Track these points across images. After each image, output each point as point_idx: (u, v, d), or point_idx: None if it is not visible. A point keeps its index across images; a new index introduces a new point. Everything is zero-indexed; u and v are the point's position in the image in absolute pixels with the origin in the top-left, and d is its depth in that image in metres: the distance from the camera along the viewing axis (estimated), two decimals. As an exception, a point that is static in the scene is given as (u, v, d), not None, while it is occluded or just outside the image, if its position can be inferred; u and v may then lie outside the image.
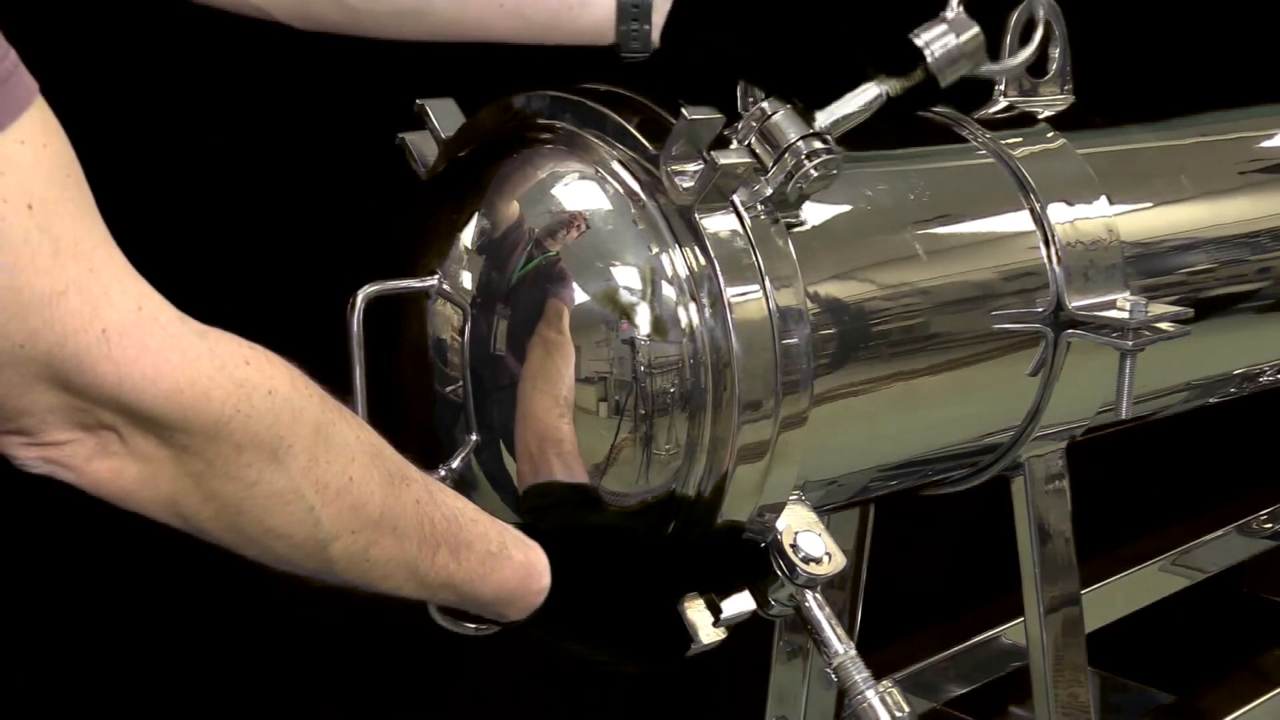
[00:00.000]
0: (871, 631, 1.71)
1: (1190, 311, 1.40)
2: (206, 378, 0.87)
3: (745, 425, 1.16)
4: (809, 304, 1.20)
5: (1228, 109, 1.76)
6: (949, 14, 1.26)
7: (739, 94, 1.25)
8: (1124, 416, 1.39)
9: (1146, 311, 1.36)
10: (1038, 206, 1.40)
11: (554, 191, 1.19)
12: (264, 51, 1.22)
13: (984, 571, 1.92)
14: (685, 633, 1.19)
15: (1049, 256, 1.39)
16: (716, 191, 1.15)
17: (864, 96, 1.23)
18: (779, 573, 1.22)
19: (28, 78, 0.82)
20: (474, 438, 1.20)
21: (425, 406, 1.24)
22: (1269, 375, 1.78)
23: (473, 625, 1.19)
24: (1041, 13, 1.49)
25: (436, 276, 1.21)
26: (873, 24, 1.25)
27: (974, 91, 1.53)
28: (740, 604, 1.22)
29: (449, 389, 1.21)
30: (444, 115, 1.32)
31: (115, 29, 1.36)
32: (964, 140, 1.44)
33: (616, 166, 1.18)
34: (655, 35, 1.25)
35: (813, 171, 1.18)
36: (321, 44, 1.25)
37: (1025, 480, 1.48)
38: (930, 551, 2.38)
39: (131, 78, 1.56)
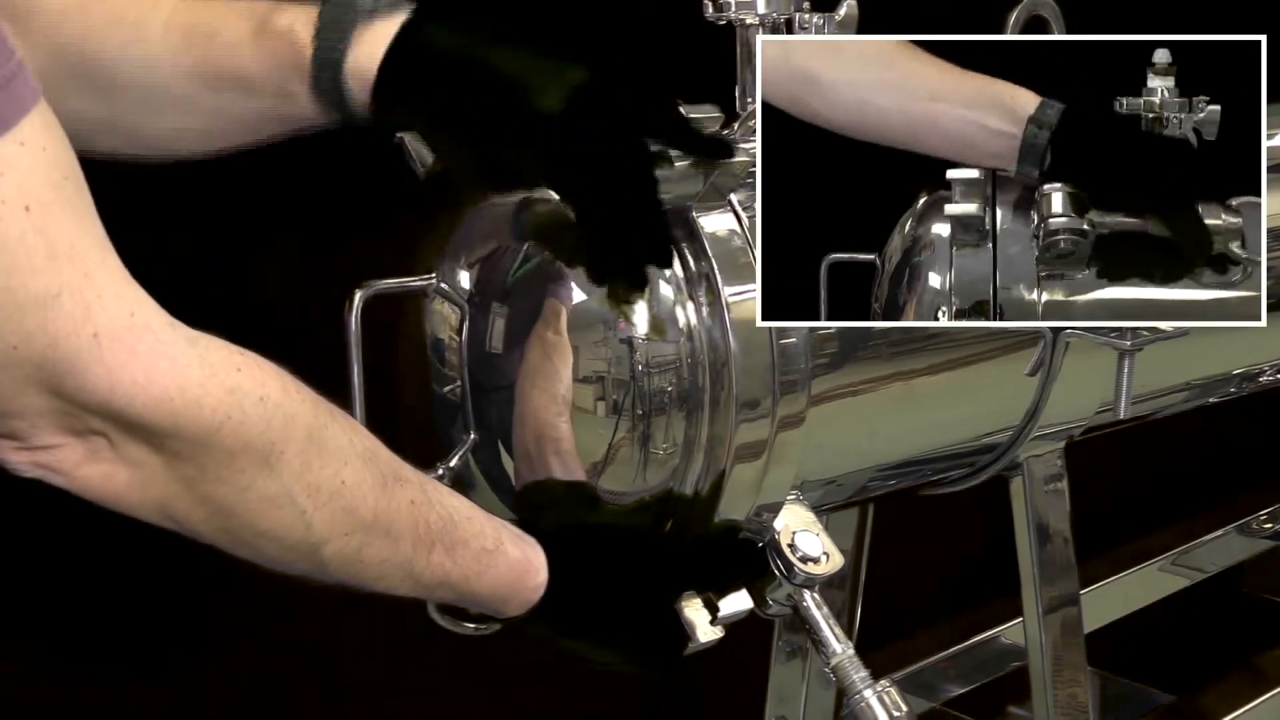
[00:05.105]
0: (870, 631, 1.71)
1: (1189, 311, 1.39)
2: (197, 384, 0.87)
3: (743, 424, 1.16)
4: (807, 303, 1.20)
5: (1227, 108, 1.75)
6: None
7: (737, 93, 1.25)
8: (1122, 416, 1.39)
9: (1146, 311, 1.35)
10: (1037, 206, 1.40)
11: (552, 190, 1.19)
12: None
13: (983, 571, 1.92)
14: (683, 631, 1.19)
15: (1048, 256, 1.39)
16: (714, 191, 1.15)
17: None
18: (777, 572, 1.22)
19: (32, 80, 0.82)
20: (472, 436, 1.20)
21: (423, 405, 1.24)
22: (1269, 375, 1.77)
23: (472, 625, 1.19)
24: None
25: (434, 275, 1.20)
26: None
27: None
28: (737, 603, 1.21)
29: (447, 388, 1.21)
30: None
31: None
32: (963, 139, 1.44)
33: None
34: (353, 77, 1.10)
35: (810, 171, 1.18)
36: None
37: (1024, 480, 1.48)
38: (929, 551, 2.37)
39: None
